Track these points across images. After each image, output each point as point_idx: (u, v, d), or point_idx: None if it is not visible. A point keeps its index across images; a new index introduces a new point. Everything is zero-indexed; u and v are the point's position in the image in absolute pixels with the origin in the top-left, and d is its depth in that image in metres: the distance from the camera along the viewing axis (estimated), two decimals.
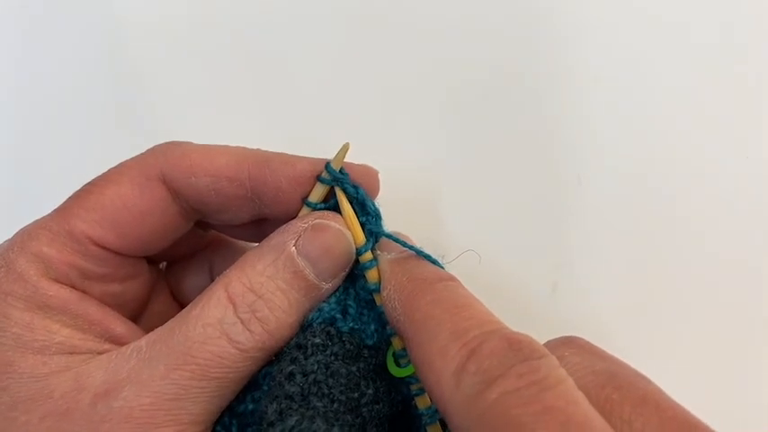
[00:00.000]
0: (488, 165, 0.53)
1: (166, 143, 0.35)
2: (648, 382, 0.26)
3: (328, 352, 0.31)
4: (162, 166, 0.33)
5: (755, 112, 0.53)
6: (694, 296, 0.51)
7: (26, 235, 0.31)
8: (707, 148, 0.52)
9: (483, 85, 0.54)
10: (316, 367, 0.30)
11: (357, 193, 0.34)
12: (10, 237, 0.33)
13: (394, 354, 0.33)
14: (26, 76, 0.58)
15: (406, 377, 0.32)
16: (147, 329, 0.34)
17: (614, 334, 0.50)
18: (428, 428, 0.32)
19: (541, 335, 0.28)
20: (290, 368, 0.30)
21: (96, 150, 0.55)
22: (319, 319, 0.32)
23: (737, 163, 0.52)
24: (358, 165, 0.36)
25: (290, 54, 0.56)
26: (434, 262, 0.32)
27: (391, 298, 0.30)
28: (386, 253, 0.34)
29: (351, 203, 0.34)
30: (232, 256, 0.41)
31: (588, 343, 0.29)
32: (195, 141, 0.36)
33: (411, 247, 0.33)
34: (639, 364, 0.28)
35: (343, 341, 0.32)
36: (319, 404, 0.29)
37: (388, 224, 0.36)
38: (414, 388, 0.32)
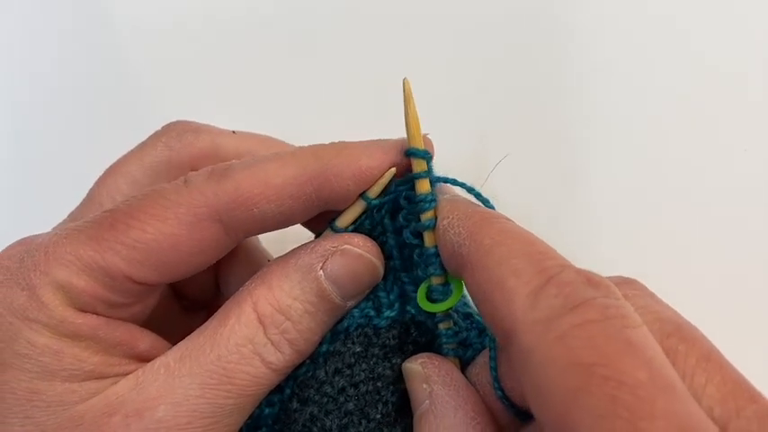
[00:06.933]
0: (486, 163, 0.53)
1: (208, 172, 0.32)
2: (710, 341, 0.25)
3: (369, 354, 0.32)
4: (215, 205, 0.31)
5: (756, 109, 0.53)
6: (696, 295, 0.50)
7: (51, 257, 0.30)
8: (707, 145, 0.52)
9: (481, 85, 0.54)
10: (363, 376, 0.32)
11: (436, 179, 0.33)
12: (17, 244, 0.32)
13: (428, 289, 0.32)
14: (25, 74, 0.58)
15: (437, 313, 0.32)
16: (151, 324, 0.34)
17: None
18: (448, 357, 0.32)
19: None
20: (340, 383, 0.32)
21: (97, 148, 0.55)
22: (354, 325, 0.33)
23: (738, 158, 0.52)
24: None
25: (296, 46, 0.56)
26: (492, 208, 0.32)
27: (453, 225, 0.29)
28: (441, 194, 0.33)
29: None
30: (243, 246, 0.40)
31: (648, 288, 0.28)
32: None
33: (469, 189, 0.33)
34: None
35: (382, 339, 0.33)
36: (378, 415, 0.31)
37: None
38: (442, 327, 0.33)
